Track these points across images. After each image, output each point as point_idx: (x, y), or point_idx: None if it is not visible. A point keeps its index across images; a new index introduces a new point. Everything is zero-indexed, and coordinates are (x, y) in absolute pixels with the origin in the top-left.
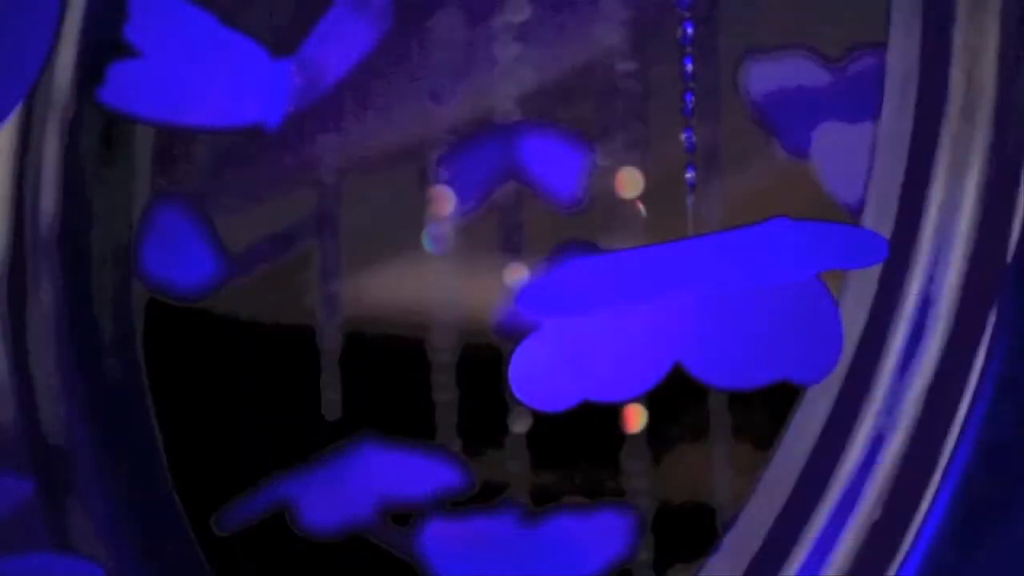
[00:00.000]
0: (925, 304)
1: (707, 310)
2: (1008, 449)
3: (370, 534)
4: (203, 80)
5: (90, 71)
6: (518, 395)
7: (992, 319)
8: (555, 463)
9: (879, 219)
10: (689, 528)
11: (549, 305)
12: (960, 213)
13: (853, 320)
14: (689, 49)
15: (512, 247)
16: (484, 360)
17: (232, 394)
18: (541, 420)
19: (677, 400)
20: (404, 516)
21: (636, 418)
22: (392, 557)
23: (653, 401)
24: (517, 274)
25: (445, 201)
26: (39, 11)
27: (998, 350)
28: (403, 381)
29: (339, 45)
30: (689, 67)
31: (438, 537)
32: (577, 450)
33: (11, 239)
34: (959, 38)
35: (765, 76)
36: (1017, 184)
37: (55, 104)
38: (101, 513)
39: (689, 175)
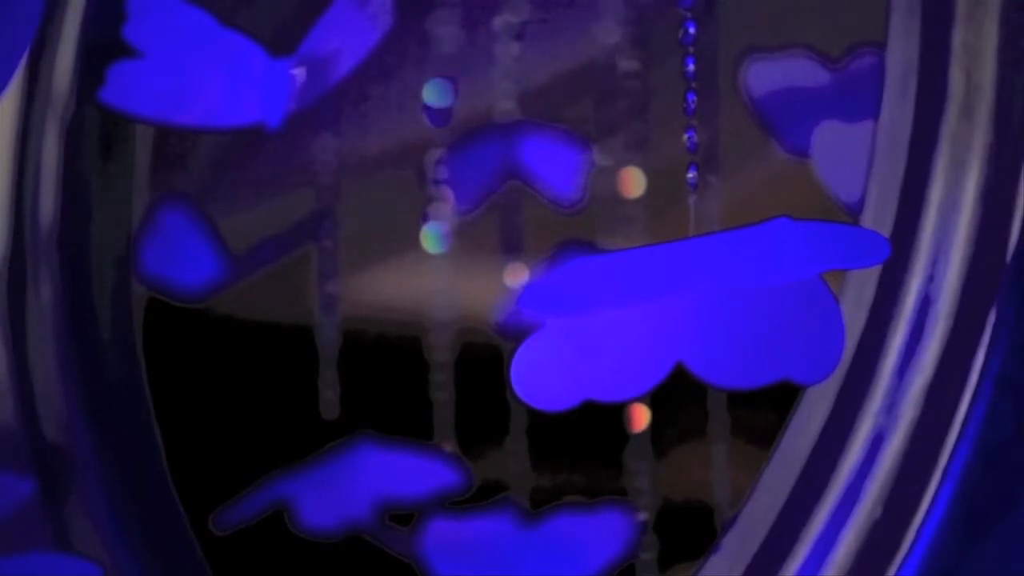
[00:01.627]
0: (925, 304)
1: (709, 310)
2: (1008, 448)
3: (368, 534)
4: (203, 80)
5: (90, 71)
6: (520, 395)
7: (992, 319)
8: (555, 463)
9: (879, 219)
10: (690, 527)
11: (550, 305)
12: (960, 213)
13: (853, 320)
14: (691, 49)
15: (512, 247)
16: (484, 360)
17: (231, 393)
18: (541, 420)
19: (677, 399)
20: (403, 516)
21: (642, 417)
22: (390, 557)
23: (654, 400)
24: (517, 274)
25: (445, 201)
26: None
27: (998, 350)
28: (401, 381)
29: (339, 44)
30: (691, 67)
31: (437, 537)
32: (577, 450)
33: (11, 239)
34: (959, 38)
35: (765, 76)
36: (1017, 184)
37: (55, 104)
38: (101, 513)
39: (691, 175)
